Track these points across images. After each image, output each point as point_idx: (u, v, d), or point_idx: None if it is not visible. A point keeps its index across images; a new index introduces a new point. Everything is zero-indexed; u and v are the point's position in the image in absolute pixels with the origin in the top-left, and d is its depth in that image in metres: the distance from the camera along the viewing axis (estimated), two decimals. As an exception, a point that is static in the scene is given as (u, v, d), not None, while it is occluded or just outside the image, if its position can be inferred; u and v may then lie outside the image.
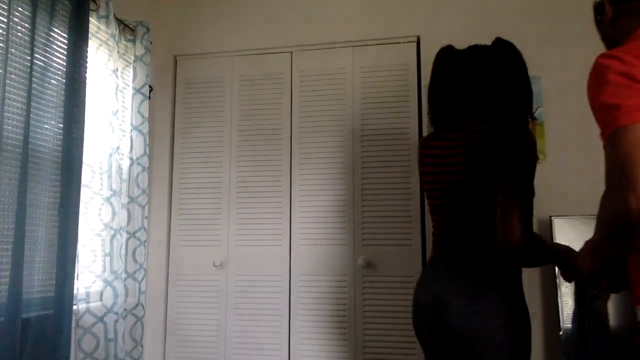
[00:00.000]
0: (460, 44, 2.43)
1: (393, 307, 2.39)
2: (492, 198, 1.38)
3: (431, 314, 1.46)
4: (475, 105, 1.50)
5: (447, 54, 1.61)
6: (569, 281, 1.46)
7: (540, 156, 2.30)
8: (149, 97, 2.53)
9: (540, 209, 2.12)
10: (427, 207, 1.75)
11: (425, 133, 2.43)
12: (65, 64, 1.93)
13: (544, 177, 2.29)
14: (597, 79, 0.98)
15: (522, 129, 1.41)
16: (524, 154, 1.37)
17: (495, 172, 1.39)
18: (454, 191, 1.48)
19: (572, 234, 2.11)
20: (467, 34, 2.45)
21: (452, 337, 1.40)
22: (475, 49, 1.57)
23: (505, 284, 1.39)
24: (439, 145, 1.56)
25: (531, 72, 2.36)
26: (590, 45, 2.36)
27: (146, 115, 2.47)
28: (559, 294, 2.08)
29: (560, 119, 2.34)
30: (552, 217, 2.17)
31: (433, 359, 1.53)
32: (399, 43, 2.57)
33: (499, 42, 1.54)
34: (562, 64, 2.38)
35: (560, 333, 2.05)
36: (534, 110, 2.37)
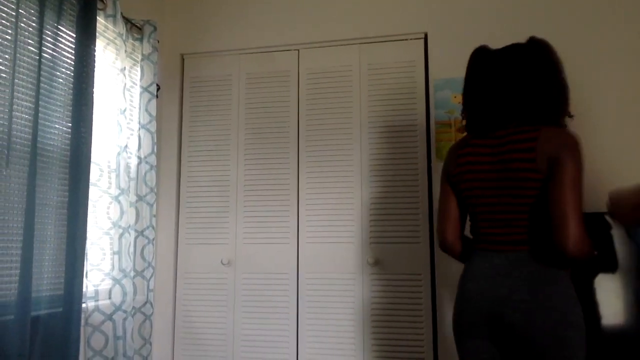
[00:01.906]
0: (468, 40, 2.43)
1: (401, 304, 2.38)
2: (545, 196, 1.41)
3: (488, 311, 1.45)
4: (518, 105, 1.51)
5: (483, 54, 1.61)
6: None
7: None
8: (157, 96, 2.53)
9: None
10: (436, 205, 1.72)
11: (433, 130, 2.42)
12: (73, 63, 1.94)
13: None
14: None
15: (571, 131, 1.44)
16: (580, 156, 1.41)
17: (550, 172, 1.40)
18: (506, 189, 1.48)
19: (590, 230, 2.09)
20: (474, 31, 2.44)
21: (511, 332, 1.41)
22: (512, 49, 1.56)
23: (560, 279, 1.40)
24: (487, 144, 1.55)
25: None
26: (596, 44, 2.34)
27: (154, 113, 2.47)
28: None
29: (590, 116, 2.29)
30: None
31: (485, 356, 1.51)
32: (406, 40, 2.56)
33: (534, 41, 1.54)
34: (569, 62, 2.35)
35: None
36: None
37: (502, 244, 1.49)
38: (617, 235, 1.94)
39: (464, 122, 1.69)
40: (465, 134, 1.73)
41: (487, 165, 1.54)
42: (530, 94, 1.49)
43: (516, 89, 1.51)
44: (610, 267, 2.01)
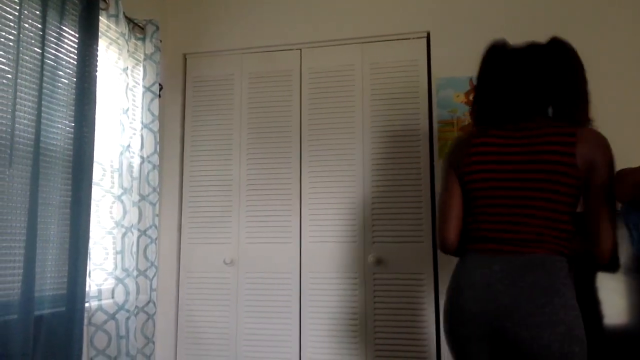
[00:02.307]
0: (471, 39, 2.43)
1: (404, 304, 2.38)
2: (571, 196, 1.38)
3: (489, 325, 1.35)
4: (541, 101, 1.47)
5: (505, 48, 1.55)
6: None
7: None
8: (159, 96, 2.54)
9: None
10: (437, 204, 1.68)
11: (435, 129, 2.42)
12: (75, 62, 1.94)
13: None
14: None
15: (602, 134, 1.42)
16: (613, 159, 1.39)
17: (587, 175, 1.37)
18: (535, 183, 1.39)
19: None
20: (477, 30, 2.44)
21: (515, 349, 1.30)
22: (540, 45, 1.52)
23: (567, 288, 1.33)
24: (511, 135, 1.47)
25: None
26: (610, 40, 2.33)
27: (156, 113, 2.48)
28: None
29: (599, 114, 2.29)
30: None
31: None
32: (408, 39, 2.55)
33: (561, 41, 1.50)
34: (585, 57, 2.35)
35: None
36: None
37: (510, 243, 1.39)
38: (619, 235, 1.93)
39: (470, 116, 1.62)
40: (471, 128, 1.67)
41: (510, 156, 1.44)
42: (561, 91, 1.45)
43: (545, 84, 1.46)
44: (613, 266, 2.01)
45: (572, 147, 1.36)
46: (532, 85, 1.47)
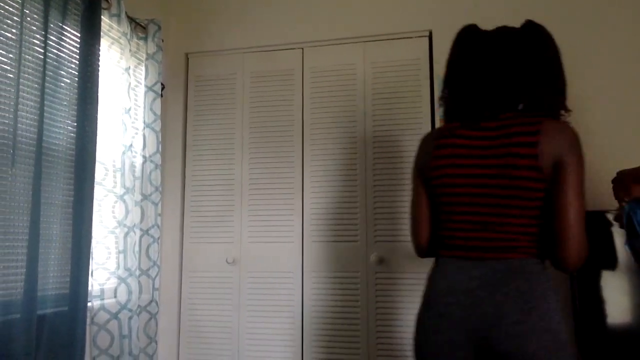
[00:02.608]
0: (473, 37, 2.42)
1: (406, 303, 2.38)
2: (538, 200, 1.26)
3: (473, 334, 1.26)
4: (517, 92, 1.34)
5: (474, 34, 1.42)
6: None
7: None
8: (161, 95, 2.54)
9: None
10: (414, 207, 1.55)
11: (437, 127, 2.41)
12: (77, 62, 1.94)
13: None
14: None
15: (572, 127, 1.29)
16: (582, 155, 1.25)
17: (554, 174, 1.24)
18: (502, 188, 1.28)
19: (591, 229, 2.08)
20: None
21: (501, 359, 1.23)
22: (510, 30, 1.40)
23: (550, 293, 1.25)
24: (477, 136, 1.35)
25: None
26: (610, 40, 2.33)
27: (158, 112, 2.48)
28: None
29: (590, 115, 2.28)
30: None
31: None
32: (410, 38, 2.55)
33: (534, 24, 1.38)
34: (579, 59, 2.34)
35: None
36: None
37: (487, 250, 1.30)
38: (618, 234, 1.93)
39: (441, 110, 1.49)
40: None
41: (477, 159, 1.33)
42: (533, 80, 1.32)
43: (516, 74, 1.34)
44: (610, 265, 2.00)
45: (534, 147, 1.24)
46: (503, 72, 1.35)
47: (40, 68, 1.76)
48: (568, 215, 1.23)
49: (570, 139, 1.25)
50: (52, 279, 1.80)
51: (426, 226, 1.47)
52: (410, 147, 2.45)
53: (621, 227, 1.49)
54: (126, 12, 2.28)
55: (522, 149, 1.25)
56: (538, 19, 2.42)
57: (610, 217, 1.85)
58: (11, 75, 1.66)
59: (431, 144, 1.43)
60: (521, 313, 1.21)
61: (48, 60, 1.80)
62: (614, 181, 1.51)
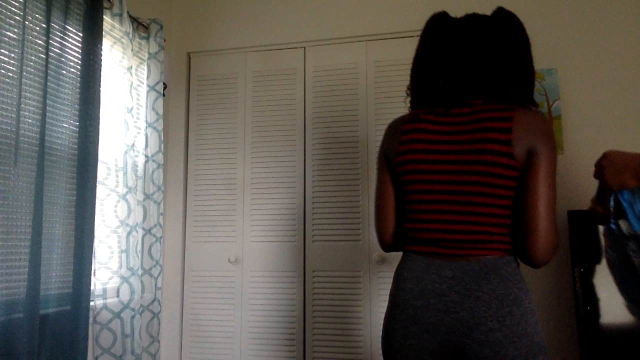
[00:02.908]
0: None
1: (408, 303, 2.38)
2: (510, 189, 1.21)
3: (445, 340, 1.20)
4: (489, 78, 1.28)
5: (444, 20, 1.40)
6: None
7: (558, 150, 2.27)
8: (164, 94, 2.54)
9: (557, 203, 2.09)
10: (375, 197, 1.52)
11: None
12: (80, 62, 1.95)
13: (561, 171, 2.26)
14: None
15: (544, 116, 1.26)
16: (554, 145, 1.21)
17: (527, 162, 1.20)
18: (473, 175, 1.22)
19: (589, 228, 2.07)
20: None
21: None
22: (481, 18, 1.36)
23: (524, 294, 1.20)
24: (446, 121, 1.29)
25: (547, 64, 2.35)
26: (609, 37, 2.32)
27: (161, 112, 2.48)
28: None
29: (577, 113, 2.30)
30: (569, 211, 2.14)
31: None
32: (413, 37, 2.54)
33: (505, 12, 1.34)
34: (579, 56, 2.33)
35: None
36: (551, 104, 2.34)
37: (457, 246, 1.23)
38: (603, 231, 1.92)
39: (408, 99, 1.44)
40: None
41: (447, 145, 1.26)
42: (504, 68, 1.27)
43: (488, 61, 1.29)
44: (595, 262, 2.00)
45: (508, 133, 1.19)
46: (471, 60, 1.30)
47: (42, 68, 1.76)
48: (538, 204, 1.18)
49: (543, 128, 1.21)
50: (55, 278, 1.81)
51: (392, 218, 1.39)
52: (413, 146, 2.45)
53: (599, 211, 1.39)
54: (128, 12, 2.28)
55: (496, 134, 1.20)
56: (541, 13, 2.41)
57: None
58: (14, 75, 1.66)
59: (399, 129, 1.36)
60: (497, 320, 1.16)
61: (50, 59, 1.80)
62: (601, 164, 1.37)
